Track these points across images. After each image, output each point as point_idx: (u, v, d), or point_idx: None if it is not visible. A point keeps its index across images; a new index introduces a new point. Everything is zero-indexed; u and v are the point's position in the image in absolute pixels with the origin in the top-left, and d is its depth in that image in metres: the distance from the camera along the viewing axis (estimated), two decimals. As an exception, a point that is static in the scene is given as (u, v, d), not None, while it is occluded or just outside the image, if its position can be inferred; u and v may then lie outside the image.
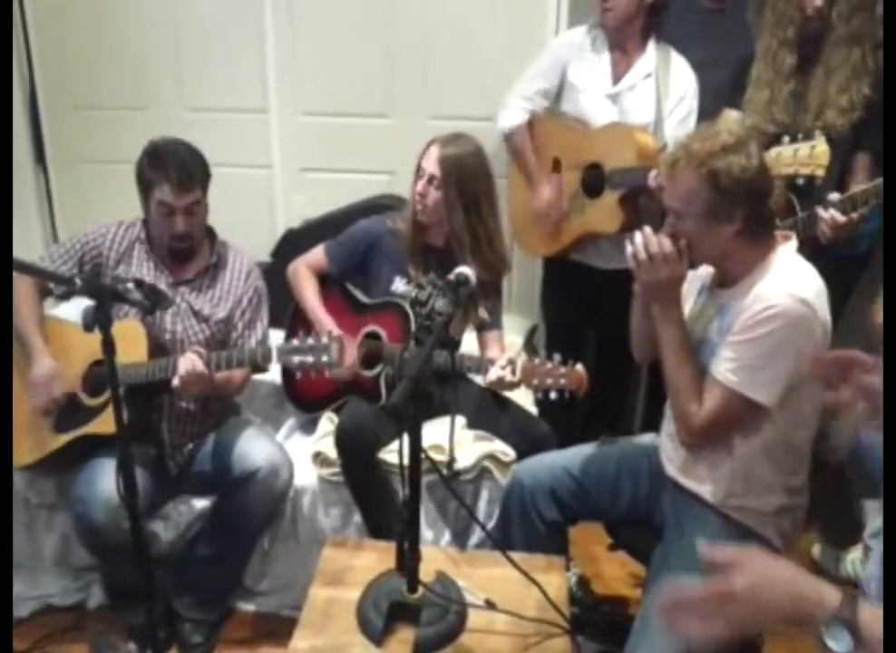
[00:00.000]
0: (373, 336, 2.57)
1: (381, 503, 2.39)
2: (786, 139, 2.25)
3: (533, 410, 2.62)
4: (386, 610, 1.70)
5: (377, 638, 1.69)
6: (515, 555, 1.85)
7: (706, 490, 1.95)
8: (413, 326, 2.45)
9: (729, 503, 1.93)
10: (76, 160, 3.62)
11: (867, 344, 1.46)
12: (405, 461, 1.62)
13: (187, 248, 2.39)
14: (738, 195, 1.76)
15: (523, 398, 2.60)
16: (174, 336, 2.39)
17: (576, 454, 2.21)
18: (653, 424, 2.25)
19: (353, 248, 2.62)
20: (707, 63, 2.75)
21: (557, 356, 2.25)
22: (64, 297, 2.37)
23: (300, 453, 2.52)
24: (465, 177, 2.44)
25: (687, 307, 2.00)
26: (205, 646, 2.43)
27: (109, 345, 1.66)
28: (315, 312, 2.59)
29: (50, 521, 2.55)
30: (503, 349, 2.62)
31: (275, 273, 2.80)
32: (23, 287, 2.34)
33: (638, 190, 2.57)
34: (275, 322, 2.61)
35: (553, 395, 2.23)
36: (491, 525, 2.37)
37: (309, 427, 2.65)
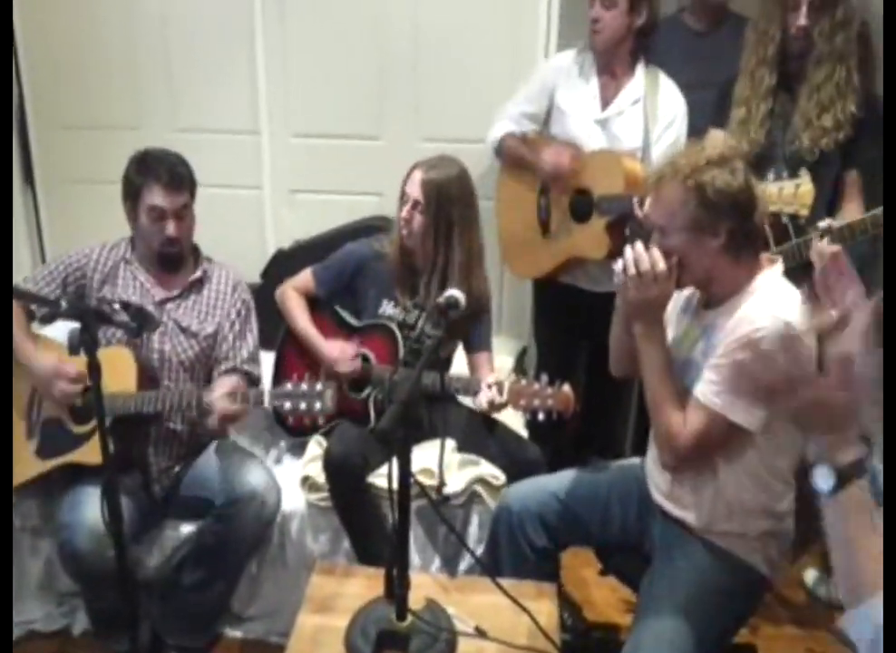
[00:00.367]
0: (362, 358, 2.55)
1: (370, 528, 2.37)
2: (771, 176, 2.25)
3: (524, 433, 2.61)
4: (375, 639, 1.69)
5: (366, 666, 1.66)
6: (505, 582, 1.84)
7: (690, 516, 1.93)
8: (401, 349, 2.44)
9: (714, 529, 1.91)
10: (65, 179, 3.61)
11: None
12: (395, 486, 1.60)
13: (177, 253, 2.38)
14: (723, 208, 1.76)
15: (514, 421, 2.59)
16: (162, 355, 2.37)
17: (565, 479, 2.20)
18: (644, 447, 2.23)
19: (340, 271, 2.61)
20: (695, 84, 2.76)
21: (544, 377, 2.24)
22: (47, 319, 2.30)
23: (289, 477, 2.50)
24: (447, 201, 2.44)
25: (672, 327, 2.00)
26: (192, 672, 2.40)
27: (95, 369, 1.65)
28: (307, 334, 2.58)
29: (34, 545, 2.52)
30: (493, 371, 2.61)
31: (264, 294, 2.79)
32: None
33: (626, 217, 2.57)
34: (265, 343, 2.59)
35: (541, 417, 2.21)
36: (481, 550, 2.35)
37: (298, 451, 2.63)
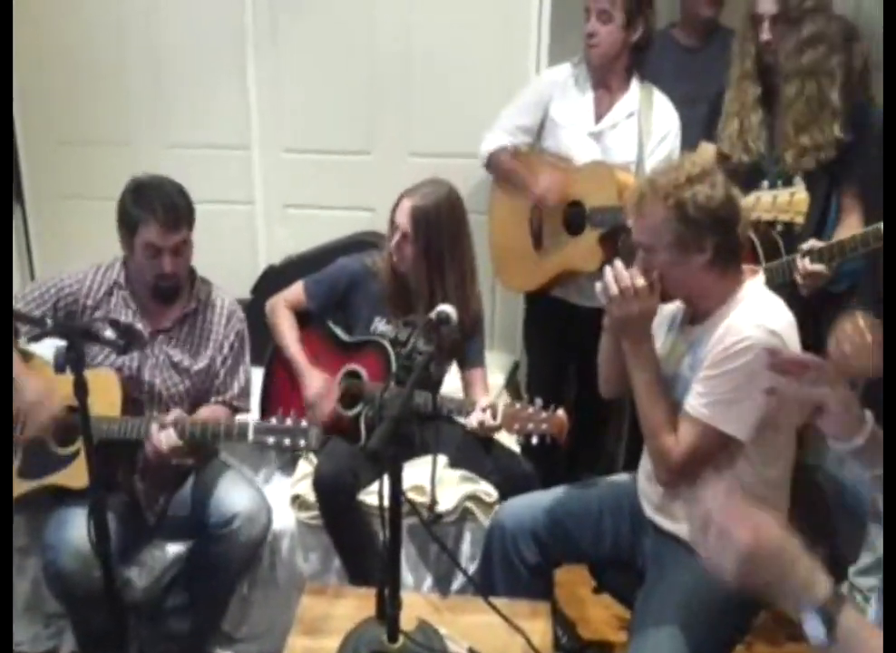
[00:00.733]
0: (353, 374, 2.54)
1: (361, 547, 2.34)
2: (765, 184, 2.25)
3: (516, 449, 2.60)
4: (366, 661, 1.66)
5: (357, 689, 1.64)
6: (499, 601, 1.82)
7: (683, 529, 1.92)
8: (393, 366, 2.42)
9: None
10: (55, 195, 3.59)
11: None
12: (386, 504, 1.58)
13: (172, 286, 2.32)
14: (706, 224, 1.76)
15: (506, 437, 2.57)
16: (152, 388, 2.33)
17: (557, 495, 2.18)
18: (636, 463, 2.22)
19: (332, 286, 2.60)
20: (687, 99, 2.78)
21: (539, 401, 2.24)
22: (33, 339, 2.23)
23: (279, 496, 2.47)
24: (436, 230, 2.42)
25: (659, 343, 1.99)
26: (182, 695, 2.37)
27: (81, 387, 1.62)
28: (294, 359, 2.56)
29: (21, 565, 2.47)
30: (487, 387, 2.60)
31: (255, 309, 2.77)
32: None
33: (619, 229, 2.57)
34: (254, 360, 2.56)
35: (535, 441, 2.21)
36: (474, 568, 2.33)
37: (289, 468, 2.60)
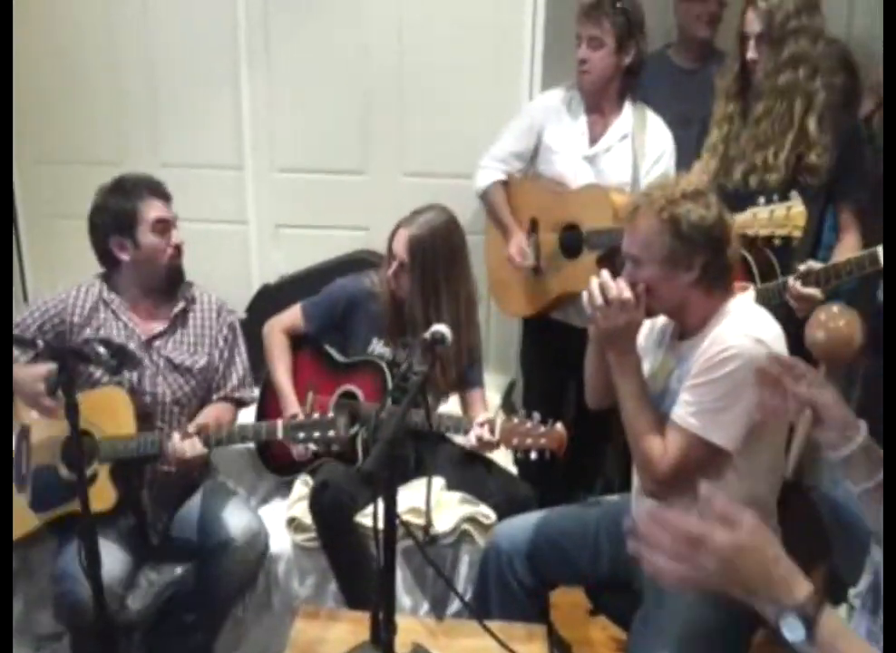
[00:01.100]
0: (349, 395, 2.52)
1: (358, 570, 2.32)
2: (761, 200, 2.25)
3: (514, 470, 2.58)
4: (360, 686, 1.64)
5: (351, 716, 1.62)
6: (495, 624, 1.80)
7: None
8: (389, 387, 2.41)
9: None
10: (47, 214, 3.58)
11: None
12: (380, 526, 1.57)
13: (179, 264, 2.38)
14: (697, 242, 1.77)
15: (504, 458, 2.56)
16: (154, 397, 2.32)
17: (554, 516, 2.18)
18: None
19: (330, 308, 2.59)
20: (682, 119, 2.79)
21: (536, 415, 2.22)
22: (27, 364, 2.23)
23: (275, 518, 2.45)
24: (432, 261, 2.42)
25: (648, 360, 1.99)
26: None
27: (73, 409, 1.61)
28: (281, 390, 2.54)
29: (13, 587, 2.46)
30: (486, 407, 2.59)
31: (249, 329, 2.75)
32: None
33: (616, 250, 2.56)
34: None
35: (533, 456, 2.19)
36: (471, 590, 2.30)
37: (285, 490, 2.58)
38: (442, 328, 1.79)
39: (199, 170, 3.45)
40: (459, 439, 2.45)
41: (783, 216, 2.18)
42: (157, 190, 2.33)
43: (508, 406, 3.24)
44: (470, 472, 2.47)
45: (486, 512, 2.41)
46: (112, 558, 2.12)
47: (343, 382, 2.53)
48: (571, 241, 2.72)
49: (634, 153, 2.71)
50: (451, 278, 2.46)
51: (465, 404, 2.59)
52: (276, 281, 3.45)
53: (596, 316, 1.86)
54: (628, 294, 1.81)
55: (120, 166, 3.44)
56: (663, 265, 1.80)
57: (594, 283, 1.86)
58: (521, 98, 3.21)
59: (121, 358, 1.86)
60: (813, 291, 2.16)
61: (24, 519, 2.21)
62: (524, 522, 2.17)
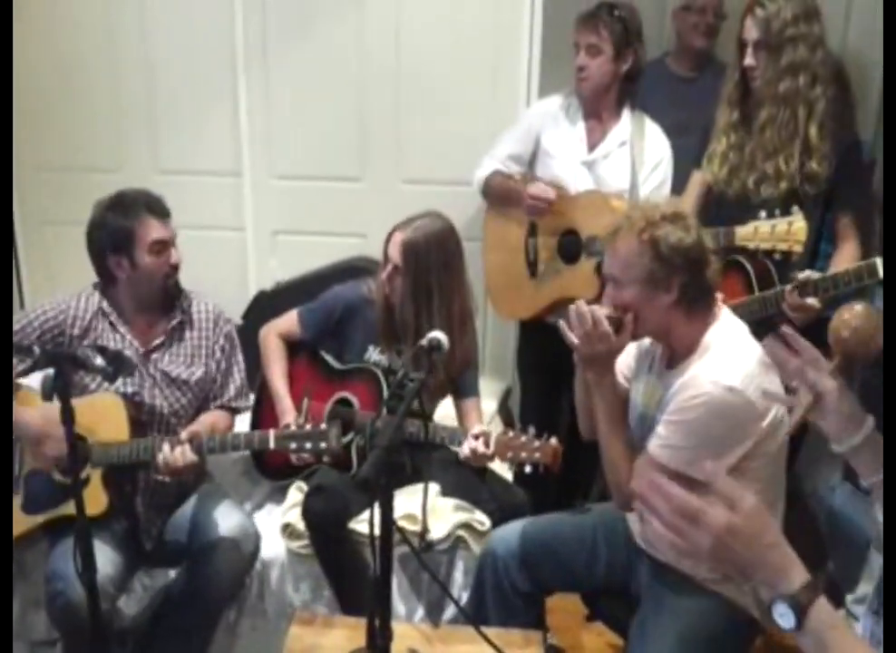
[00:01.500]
0: (344, 402, 2.52)
1: (352, 576, 2.32)
2: (762, 214, 2.26)
3: (509, 476, 2.58)
4: (356, 693, 1.64)
5: (346, 722, 1.62)
6: (491, 630, 1.80)
7: (682, 559, 1.90)
8: (385, 394, 2.41)
9: (699, 571, 1.90)
10: (44, 221, 3.59)
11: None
12: (376, 533, 1.57)
13: (176, 282, 2.37)
14: (676, 263, 1.80)
15: (499, 464, 2.55)
16: (153, 409, 2.32)
17: (551, 522, 2.18)
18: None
19: (327, 315, 2.58)
20: (680, 127, 2.79)
21: (531, 429, 2.23)
22: (23, 373, 2.21)
23: (269, 525, 2.45)
24: (426, 266, 2.41)
25: (641, 383, 2.03)
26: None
27: (68, 415, 1.61)
28: (277, 394, 2.54)
29: (6, 593, 2.45)
30: (481, 417, 2.59)
31: (246, 335, 2.75)
32: None
33: None
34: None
35: (528, 469, 2.20)
36: (466, 597, 2.30)
37: (279, 497, 2.58)
38: (438, 335, 1.79)
39: (196, 177, 3.46)
40: (454, 447, 2.45)
41: (784, 231, 2.19)
42: (156, 207, 2.28)
43: (504, 412, 3.24)
44: (465, 478, 2.46)
45: (481, 519, 2.40)
46: (105, 558, 2.11)
47: (338, 389, 2.53)
48: (570, 247, 2.73)
49: (632, 160, 2.72)
50: (444, 285, 2.45)
51: (460, 414, 2.58)
52: (272, 288, 3.45)
53: (575, 343, 1.91)
54: (603, 326, 1.85)
55: (118, 173, 3.47)
56: (643, 286, 1.83)
57: (572, 311, 1.90)
58: (519, 105, 3.21)
59: (117, 365, 1.86)
60: (812, 301, 2.17)
61: (17, 521, 2.21)
62: (520, 528, 2.17)
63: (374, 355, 2.54)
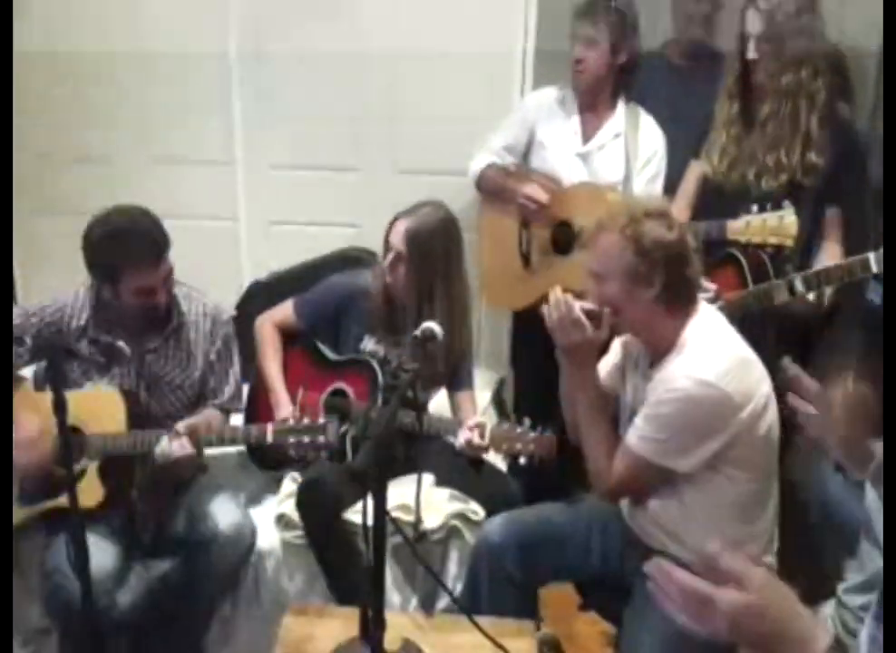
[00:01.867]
0: (339, 393, 2.52)
1: (346, 566, 2.32)
2: (754, 208, 2.26)
3: (503, 466, 2.58)
4: (349, 682, 1.64)
5: (340, 712, 1.62)
6: (484, 619, 1.80)
7: (667, 546, 1.94)
8: (381, 385, 2.41)
9: (693, 558, 1.90)
10: (35, 210, 3.55)
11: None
12: (370, 524, 1.57)
13: (161, 310, 2.31)
14: (657, 259, 1.81)
15: (493, 455, 2.55)
16: (149, 407, 2.31)
17: (545, 511, 2.19)
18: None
19: (322, 304, 2.58)
20: (678, 118, 2.79)
21: (527, 421, 2.23)
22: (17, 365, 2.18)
23: (263, 515, 2.45)
24: (429, 255, 2.41)
25: (631, 382, 2.05)
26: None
27: (61, 405, 1.60)
28: (272, 384, 2.53)
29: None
30: (475, 409, 2.59)
31: (239, 326, 2.74)
32: None
33: None
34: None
35: (523, 461, 2.21)
36: (460, 587, 2.31)
37: (274, 487, 2.57)
38: (432, 325, 1.79)
39: (189, 167, 3.45)
40: (450, 438, 2.46)
41: (775, 225, 2.20)
42: (150, 248, 2.16)
43: (498, 403, 3.24)
44: (459, 468, 2.46)
45: (475, 509, 2.41)
46: (104, 553, 2.12)
47: (334, 380, 2.53)
48: (563, 238, 2.73)
49: (626, 152, 2.72)
50: (446, 273, 2.45)
51: (454, 406, 2.58)
52: (266, 278, 3.43)
53: (553, 332, 1.93)
54: (576, 313, 1.87)
55: (110, 162, 3.45)
56: (624, 281, 1.84)
57: (551, 299, 1.92)
58: (513, 96, 3.21)
59: (109, 355, 1.86)
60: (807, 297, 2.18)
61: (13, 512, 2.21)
62: (515, 517, 2.18)
63: (369, 344, 2.54)
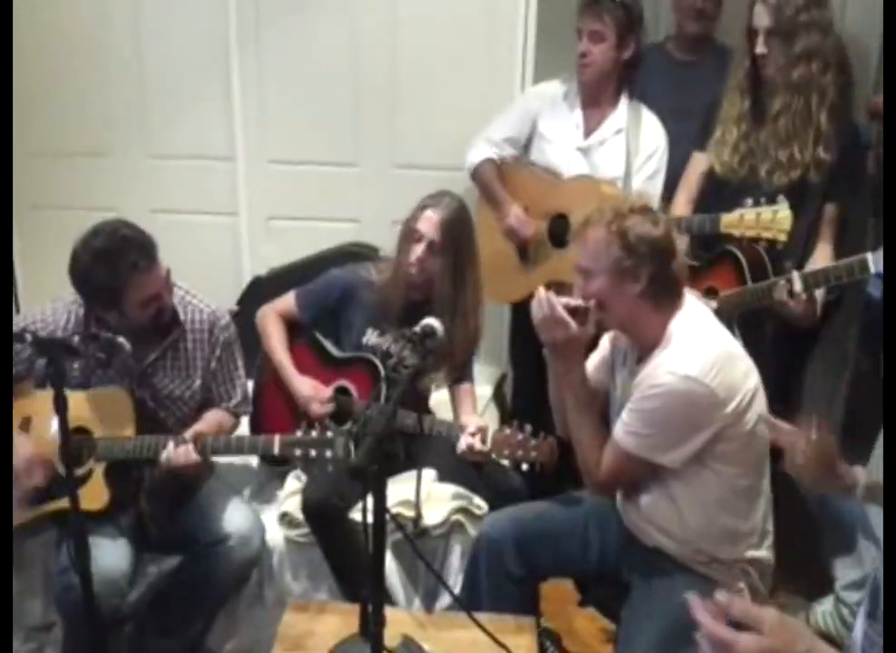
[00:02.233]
0: (343, 390, 2.52)
1: (355, 565, 2.29)
2: (749, 201, 2.25)
3: (505, 461, 2.58)
4: (349, 679, 1.65)
5: (340, 708, 1.62)
6: (484, 616, 1.81)
7: (663, 542, 1.96)
8: (381, 381, 2.41)
9: (689, 555, 1.93)
10: (35, 206, 3.55)
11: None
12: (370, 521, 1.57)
13: (169, 313, 2.29)
14: (644, 254, 1.82)
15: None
16: (156, 414, 2.31)
17: (545, 507, 2.20)
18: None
19: (324, 296, 2.57)
20: (680, 111, 2.78)
21: (528, 427, 2.23)
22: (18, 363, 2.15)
23: (267, 513, 2.45)
24: (463, 240, 2.43)
25: (619, 377, 2.06)
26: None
27: (61, 403, 1.60)
28: (281, 365, 2.53)
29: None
30: (475, 402, 2.59)
31: (240, 322, 2.74)
32: None
33: None
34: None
35: (525, 467, 2.22)
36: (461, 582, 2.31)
37: (277, 484, 2.57)
38: (432, 321, 1.78)
39: (189, 162, 3.43)
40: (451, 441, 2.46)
41: (769, 219, 2.19)
42: (144, 257, 2.11)
43: (499, 398, 3.24)
44: (462, 463, 2.46)
45: (479, 503, 2.41)
46: (118, 554, 2.14)
47: (337, 377, 2.52)
48: (560, 231, 2.73)
49: (627, 148, 2.72)
50: (473, 258, 2.48)
51: (455, 400, 2.58)
52: (267, 273, 3.43)
53: (538, 329, 1.94)
54: (559, 312, 1.89)
55: (109, 157, 3.44)
56: (611, 276, 1.85)
57: (535, 299, 1.94)
58: (513, 91, 3.19)
59: (108, 351, 1.85)
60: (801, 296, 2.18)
61: (16, 513, 2.19)
62: (515, 513, 2.19)
63: (372, 338, 2.53)
